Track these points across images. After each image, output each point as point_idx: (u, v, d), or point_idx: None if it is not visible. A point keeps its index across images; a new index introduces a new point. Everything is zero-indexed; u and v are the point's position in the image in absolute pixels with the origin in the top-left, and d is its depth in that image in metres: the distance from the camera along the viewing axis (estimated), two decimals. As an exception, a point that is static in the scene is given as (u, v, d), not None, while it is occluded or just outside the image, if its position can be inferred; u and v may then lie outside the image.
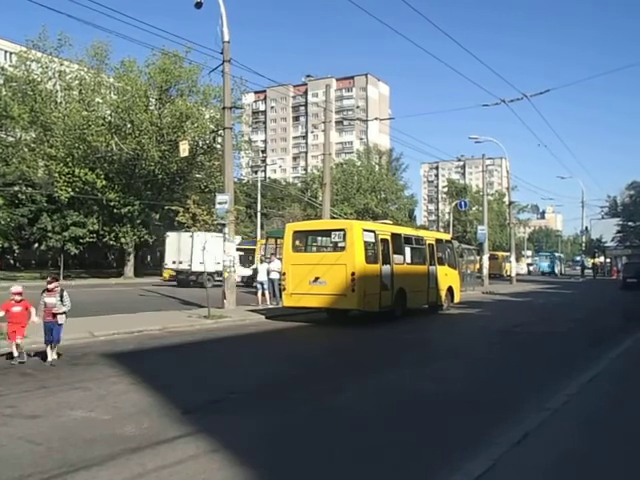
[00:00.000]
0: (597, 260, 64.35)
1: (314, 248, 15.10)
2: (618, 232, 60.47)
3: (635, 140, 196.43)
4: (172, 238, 28.99)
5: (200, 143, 35.80)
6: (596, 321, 15.38)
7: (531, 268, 68.95)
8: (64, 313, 8.02)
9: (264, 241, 26.81)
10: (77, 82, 34.13)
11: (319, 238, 15.35)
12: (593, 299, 25.60)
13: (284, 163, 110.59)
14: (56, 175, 31.86)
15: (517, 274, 54.68)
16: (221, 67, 16.14)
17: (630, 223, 59.14)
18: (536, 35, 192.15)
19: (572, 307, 20.68)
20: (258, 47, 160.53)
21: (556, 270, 63.49)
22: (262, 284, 17.43)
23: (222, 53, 15.90)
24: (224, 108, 16.83)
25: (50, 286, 8.00)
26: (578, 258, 65.83)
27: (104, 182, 33.09)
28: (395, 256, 14.31)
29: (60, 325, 7.99)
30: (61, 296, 7.99)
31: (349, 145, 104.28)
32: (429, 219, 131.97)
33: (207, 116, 35.43)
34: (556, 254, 72.47)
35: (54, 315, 7.92)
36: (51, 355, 7.92)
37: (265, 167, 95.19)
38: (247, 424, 5.20)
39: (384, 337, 11.95)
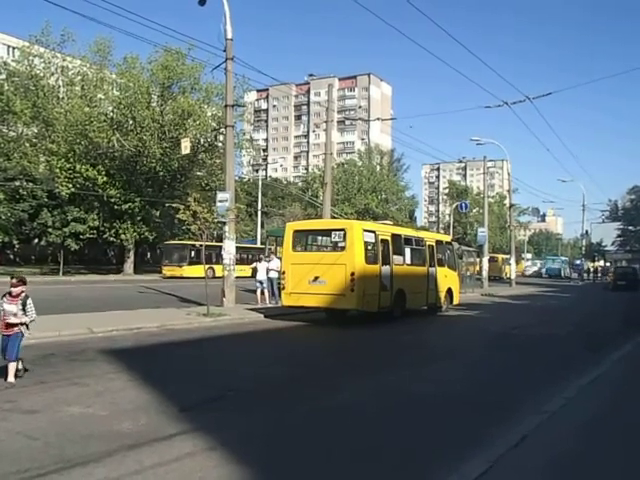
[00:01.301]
0: (596, 264, 64.49)
1: (314, 247, 15.08)
2: (618, 236, 60.53)
3: (637, 144, 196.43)
4: None
5: (201, 141, 35.81)
6: (594, 325, 15.38)
7: (534, 269, 69.77)
8: (24, 325, 6.45)
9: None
10: (79, 78, 34.20)
11: (319, 238, 15.33)
12: (591, 303, 25.61)
13: (285, 162, 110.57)
14: (57, 171, 31.91)
15: (527, 275, 54.61)
16: (224, 65, 16.12)
17: (631, 227, 59.20)
18: (539, 39, 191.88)
19: (570, 310, 20.68)
20: (261, 46, 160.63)
21: (562, 273, 64.36)
22: (261, 283, 17.44)
23: (225, 51, 15.87)
24: (226, 106, 16.82)
25: (14, 290, 6.41)
26: (578, 262, 66.08)
27: (105, 178, 33.13)
28: (395, 257, 14.30)
29: (18, 338, 6.41)
30: (24, 304, 6.42)
31: (350, 145, 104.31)
32: (429, 220, 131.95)
33: (209, 114, 35.46)
34: (562, 258, 73.72)
35: (8, 325, 6.35)
36: (12, 375, 6.33)
37: (266, 166, 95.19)
38: (244, 422, 5.20)
39: (383, 338, 11.94)
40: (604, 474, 3.99)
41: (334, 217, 27.77)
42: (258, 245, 40.98)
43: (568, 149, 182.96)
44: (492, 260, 47.78)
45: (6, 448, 4.30)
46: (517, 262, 48.80)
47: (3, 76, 33.92)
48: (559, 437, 4.78)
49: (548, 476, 3.93)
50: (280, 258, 16.11)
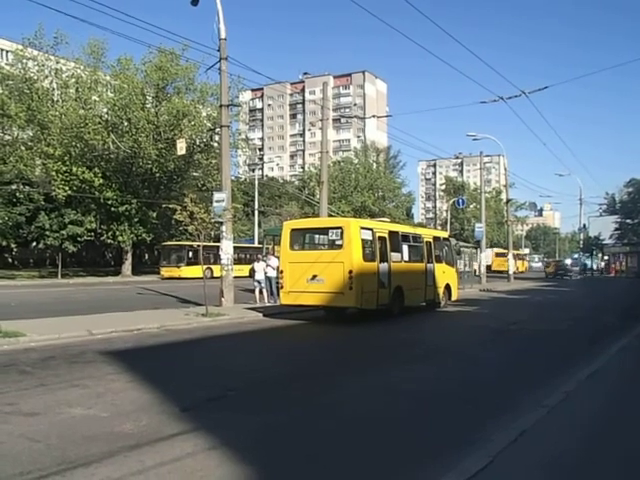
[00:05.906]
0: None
1: (312, 246, 15.10)
2: (616, 229, 60.53)
3: (634, 137, 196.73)
4: None
5: (197, 141, 35.77)
6: (592, 318, 15.40)
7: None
8: None
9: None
10: (74, 80, 34.07)
11: (316, 236, 15.34)
12: (588, 297, 25.71)
13: (281, 161, 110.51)
14: (53, 174, 31.85)
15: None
16: (218, 65, 16.11)
17: (628, 221, 59.28)
18: (534, 33, 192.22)
19: (568, 305, 20.74)
20: (255, 45, 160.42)
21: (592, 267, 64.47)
22: (260, 282, 17.47)
23: (219, 50, 15.86)
24: (221, 106, 16.81)
25: None
26: (576, 256, 66.11)
27: (101, 180, 33.09)
28: (392, 254, 14.32)
29: None
30: None
31: (347, 143, 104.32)
32: (427, 217, 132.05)
33: (204, 114, 35.40)
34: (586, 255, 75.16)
35: None
36: None
37: (262, 165, 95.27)
38: (245, 422, 5.21)
39: (381, 335, 11.97)
40: (603, 468, 4.02)
41: (331, 215, 27.79)
42: (256, 244, 41.00)
43: (565, 143, 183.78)
44: (502, 255, 47.92)
45: (7, 450, 4.31)
46: (522, 260, 48.61)
47: (-3, 79, 33.82)
48: (558, 431, 4.80)
49: (547, 470, 3.96)
50: (278, 257, 16.13)
